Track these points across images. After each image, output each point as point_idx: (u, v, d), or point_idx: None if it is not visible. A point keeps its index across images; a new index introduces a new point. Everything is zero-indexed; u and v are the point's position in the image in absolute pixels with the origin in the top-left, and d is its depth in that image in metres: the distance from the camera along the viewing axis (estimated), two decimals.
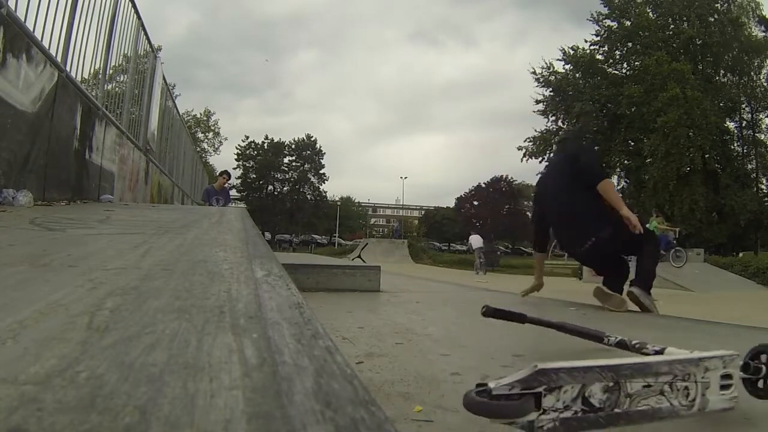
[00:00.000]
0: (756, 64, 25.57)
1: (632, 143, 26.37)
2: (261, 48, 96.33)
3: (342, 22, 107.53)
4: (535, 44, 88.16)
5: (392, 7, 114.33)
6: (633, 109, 24.90)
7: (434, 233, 53.56)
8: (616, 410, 0.70)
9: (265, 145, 46.80)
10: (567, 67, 27.39)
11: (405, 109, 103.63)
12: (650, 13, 26.30)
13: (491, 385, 0.64)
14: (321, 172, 47.90)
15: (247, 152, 46.53)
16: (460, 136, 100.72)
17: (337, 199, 51.41)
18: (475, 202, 51.42)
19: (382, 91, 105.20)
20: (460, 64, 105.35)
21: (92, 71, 4.49)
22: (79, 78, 3.92)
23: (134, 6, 5.50)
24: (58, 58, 3.44)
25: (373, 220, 65.72)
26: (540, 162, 27.84)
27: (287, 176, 47.73)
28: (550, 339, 2.25)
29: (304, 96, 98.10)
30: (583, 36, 26.95)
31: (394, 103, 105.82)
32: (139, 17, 5.79)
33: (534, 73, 27.65)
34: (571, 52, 27.14)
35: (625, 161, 26.96)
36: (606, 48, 27.16)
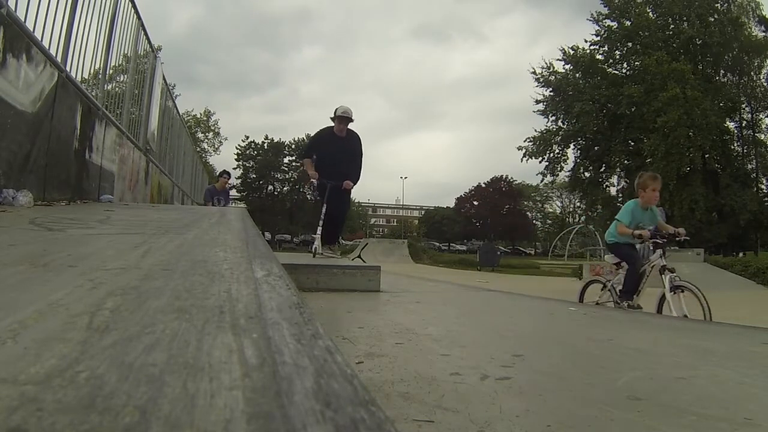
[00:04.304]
0: (756, 64, 25.57)
1: (632, 143, 26.36)
2: (265, 45, 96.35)
3: (348, 18, 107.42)
4: (547, 40, 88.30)
5: (399, 2, 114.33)
6: (633, 109, 24.90)
7: (434, 233, 53.58)
8: None
9: (265, 145, 46.82)
10: (567, 67, 27.41)
11: (409, 107, 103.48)
12: (650, 13, 26.30)
13: None
14: None
15: (247, 152, 46.54)
16: (464, 135, 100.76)
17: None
18: (475, 202, 51.44)
19: (387, 88, 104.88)
20: (468, 60, 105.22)
21: (92, 71, 4.49)
22: (79, 78, 3.92)
23: (134, 6, 5.50)
24: (58, 58, 3.43)
25: (373, 220, 65.73)
26: (540, 162, 27.89)
27: (287, 176, 47.73)
28: (551, 339, 2.25)
29: (307, 93, 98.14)
30: (593, 32, 26.73)
31: (399, 100, 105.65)
32: (139, 17, 5.79)
33: (534, 73, 27.68)
34: (571, 52, 27.14)
35: (625, 161, 26.95)
36: (606, 48, 27.15)
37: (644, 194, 4.20)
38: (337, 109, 4.92)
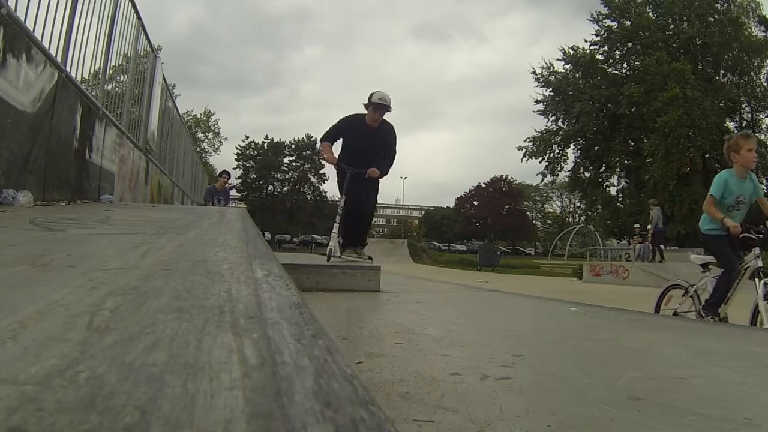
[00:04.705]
0: (756, 64, 25.56)
1: (632, 143, 26.37)
2: (265, 45, 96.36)
3: (348, 18, 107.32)
4: (547, 40, 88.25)
5: (399, 1, 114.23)
6: (633, 109, 24.90)
7: (434, 233, 53.60)
8: None
9: (265, 145, 46.85)
10: (567, 67, 27.42)
11: (409, 107, 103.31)
12: (650, 13, 26.30)
13: None
14: (321, 172, 47.93)
15: (247, 152, 46.57)
16: (464, 135, 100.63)
17: (337, 199, 51.47)
18: (475, 202, 51.46)
19: (388, 88, 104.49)
20: (468, 60, 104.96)
21: (92, 71, 4.49)
22: (79, 78, 3.92)
23: (134, 6, 5.51)
24: (58, 58, 3.43)
25: (372, 220, 65.65)
26: (540, 162, 27.90)
27: (287, 176, 47.75)
28: (551, 339, 2.25)
29: (307, 93, 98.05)
30: (593, 32, 26.80)
31: (399, 100, 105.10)
32: (139, 17, 5.79)
33: (534, 73, 27.69)
34: (571, 52, 27.15)
35: (625, 161, 26.97)
36: (606, 48, 27.16)
37: (738, 157, 3.29)
38: (372, 95, 4.10)
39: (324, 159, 4.26)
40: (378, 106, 4.07)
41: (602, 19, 26.83)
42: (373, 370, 1.40)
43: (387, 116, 4.20)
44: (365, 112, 4.17)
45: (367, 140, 4.14)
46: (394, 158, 4.31)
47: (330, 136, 4.31)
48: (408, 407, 1.10)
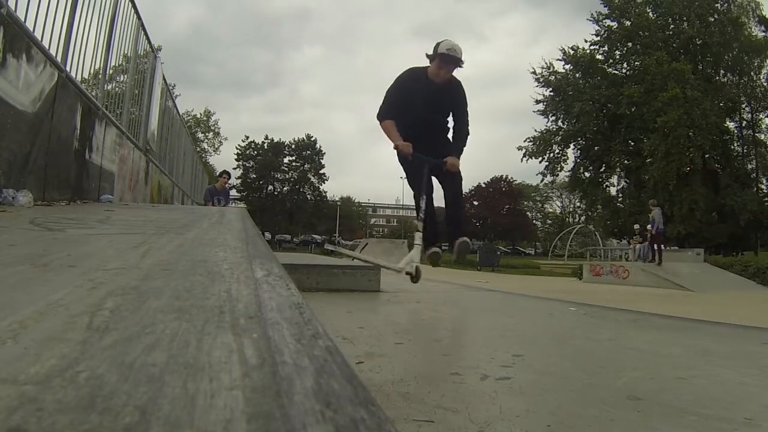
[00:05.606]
0: (756, 64, 25.56)
1: (632, 143, 26.37)
2: (265, 45, 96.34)
3: (348, 17, 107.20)
4: (547, 40, 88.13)
5: (399, 1, 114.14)
6: (633, 109, 24.90)
7: None
8: None
9: (265, 145, 46.90)
10: (567, 67, 27.42)
11: None
12: (650, 13, 26.29)
13: None
14: (321, 172, 48.00)
15: (247, 152, 46.62)
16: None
17: (337, 199, 51.50)
18: (475, 202, 51.47)
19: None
20: (468, 60, 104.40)
21: (92, 71, 4.49)
22: (79, 78, 3.92)
23: (134, 6, 5.50)
24: (58, 58, 3.43)
25: (373, 220, 65.73)
26: (540, 162, 27.89)
27: (287, 176, 47.80)
28: (551, 339, 2.25)
29: (307, 93, 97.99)
30: (593, 32, 26.77)
31: None
32: (139, 17, 5.79)
33: (534, 73, 27.69)
34: (571, 52, 27.15)
35: (625, 161, 26.97)
36: (606, 48, 27.16)
37: None
38: (439, 44, 3.04)
39: (396, 149, 3.16)
40: (445, 58, 2.99)
41: (602, 19, 26.83)
42: (373, 370, 1.40)
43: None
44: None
45: (429, 99, 3.12)
46: (467, 119, 3.26)
47: (389, 110, 3.17)
48: (408, 407, 1.10)
